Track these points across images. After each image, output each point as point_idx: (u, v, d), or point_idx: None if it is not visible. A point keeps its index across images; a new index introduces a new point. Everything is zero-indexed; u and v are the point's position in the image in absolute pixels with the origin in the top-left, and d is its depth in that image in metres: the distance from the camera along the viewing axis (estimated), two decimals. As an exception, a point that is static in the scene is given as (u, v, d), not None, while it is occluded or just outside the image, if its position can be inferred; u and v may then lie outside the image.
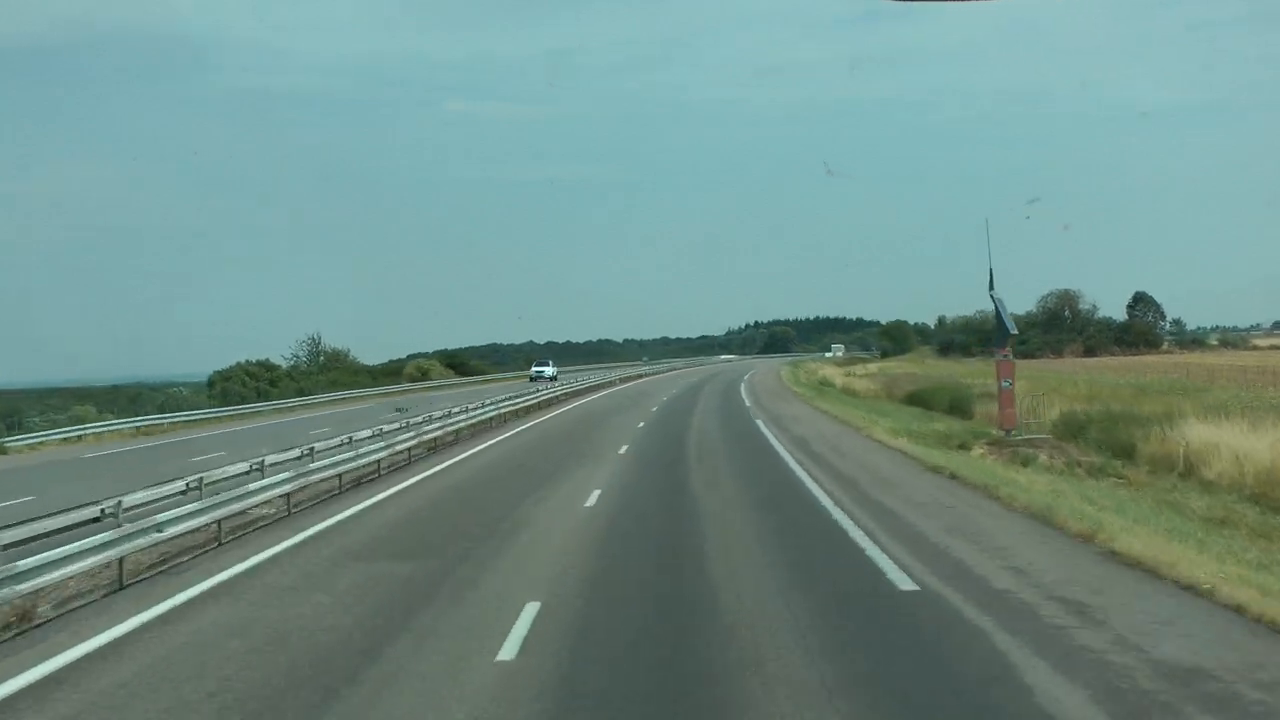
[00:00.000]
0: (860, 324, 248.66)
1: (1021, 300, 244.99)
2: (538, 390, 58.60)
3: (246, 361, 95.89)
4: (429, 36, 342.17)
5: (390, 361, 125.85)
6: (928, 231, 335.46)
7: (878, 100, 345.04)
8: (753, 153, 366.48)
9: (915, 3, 12.34)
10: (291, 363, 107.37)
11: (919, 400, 60.04)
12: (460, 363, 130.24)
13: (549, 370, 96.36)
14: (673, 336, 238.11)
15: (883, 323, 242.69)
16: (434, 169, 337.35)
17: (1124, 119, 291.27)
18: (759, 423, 39.27)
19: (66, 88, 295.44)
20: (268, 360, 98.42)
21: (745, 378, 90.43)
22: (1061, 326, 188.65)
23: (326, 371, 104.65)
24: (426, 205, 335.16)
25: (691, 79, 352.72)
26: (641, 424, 40.18)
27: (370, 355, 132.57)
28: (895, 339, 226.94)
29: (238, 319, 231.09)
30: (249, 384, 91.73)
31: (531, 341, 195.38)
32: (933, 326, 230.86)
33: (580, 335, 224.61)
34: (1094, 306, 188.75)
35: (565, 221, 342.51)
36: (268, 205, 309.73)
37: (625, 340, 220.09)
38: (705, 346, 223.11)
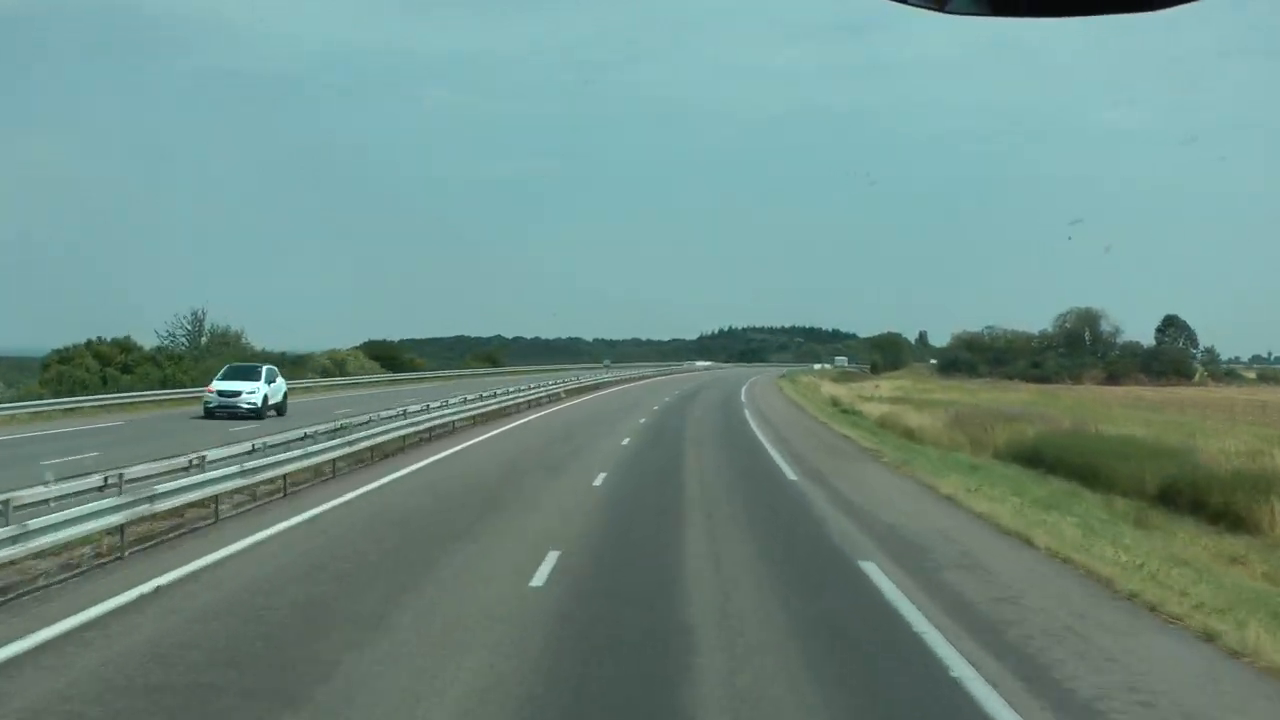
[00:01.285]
0: (837, 335, 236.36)
1: (1036, 318, 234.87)
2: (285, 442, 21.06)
3: (99, 340, 69.90)
4: (407, 29, 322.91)
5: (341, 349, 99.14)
6: (910, 246, 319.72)
7: (862, 110, 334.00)
8: (734, 157, 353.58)
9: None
10: (166, 343, 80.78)
11: (1052, 461, 34.40)
12: (390, 356, 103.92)
13: (251, 390, 42.55)
14: (644, 338, 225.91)
15: (860, 335, 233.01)
16: (412, 163, 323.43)
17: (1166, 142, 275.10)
18: (871, 571, 13.38)
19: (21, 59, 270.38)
20: (128, 339, 71.84)
21: (743, 397, 64.71)
22: (1081, 349, 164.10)
23: (201, 360, 78.22)
24: (402, 198, 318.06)
25: (671, 79, 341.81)
26: (539, 581, 13.19)
27: (327, 341, 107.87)
28: (887, 353, 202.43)
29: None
30: (94, 369, 66.04)
31: (499, 335, 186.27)
32: (913, 342, 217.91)
33: (550, 332, 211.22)
34: (1117, 329, 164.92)
35: (538, 218, 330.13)
36: (239, 191, 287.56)
37: (595, 339, 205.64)
38: (677, 350, 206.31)
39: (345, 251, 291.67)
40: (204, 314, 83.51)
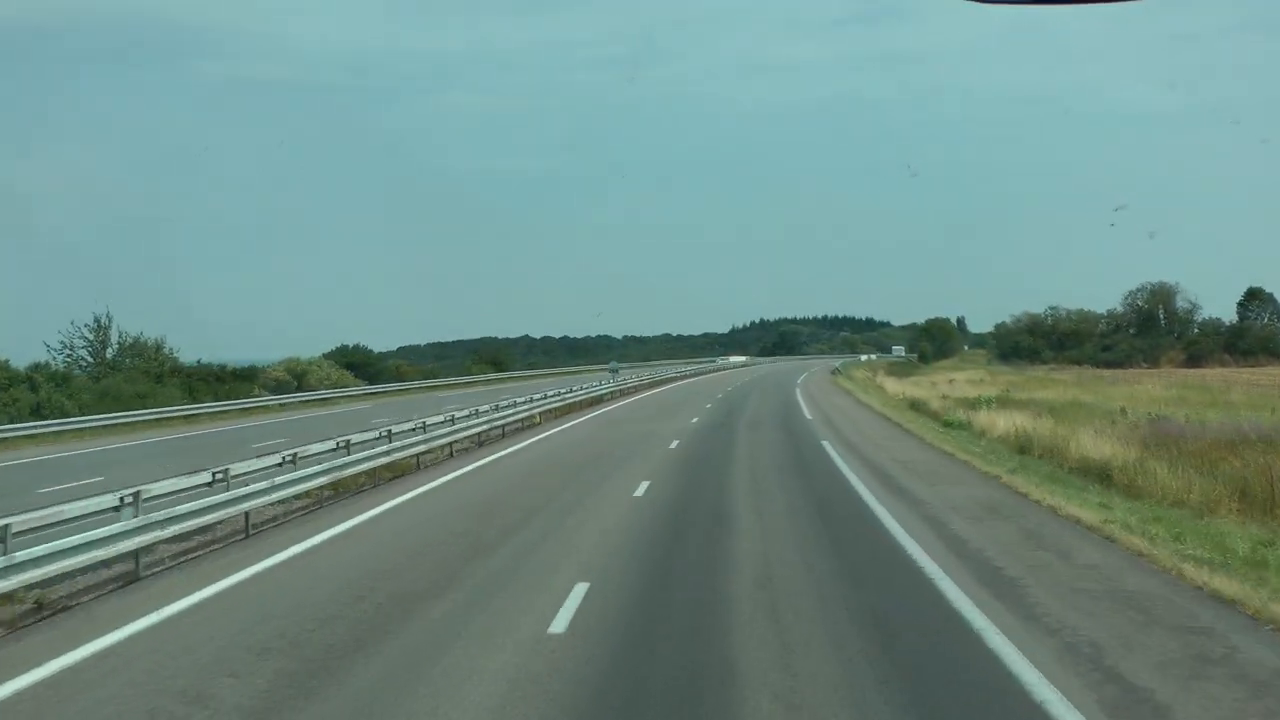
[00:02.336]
0: (871, 324, 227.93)
1: (1104, 297, 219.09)
2: None
3: (-46, 360, 50.84)
4: (411, 30, 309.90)
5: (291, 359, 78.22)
6: (942, 232, 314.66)
7: (886, 98, 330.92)
8: (760, 149, 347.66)
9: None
10: (62, 359, 61.33)
11: None
12: (364, 364, 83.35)
13: None
14: (675, 334, 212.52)
15: (894, 324, 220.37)
16: (430, 159, 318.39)
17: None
18: None
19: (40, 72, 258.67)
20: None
21: (806, 410, 43.64)
22: (1156, 329, 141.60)
23: (101, 378, 58.67)
24: (428, 199, 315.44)
25: (691, 75, 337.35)
26: None
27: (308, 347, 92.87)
28: (936, 340, 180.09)
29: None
30: (-61, 399, 47.48)
31: (527, 335, 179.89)
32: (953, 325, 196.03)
33: (579, 330, 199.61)
34: (1194, 304, 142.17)
35: (565, 216, 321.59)
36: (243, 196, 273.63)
37: (625, 336, 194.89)
38: (708, 345, 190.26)
39: (370, 256, 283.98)
40: (109, 320, 63.46)
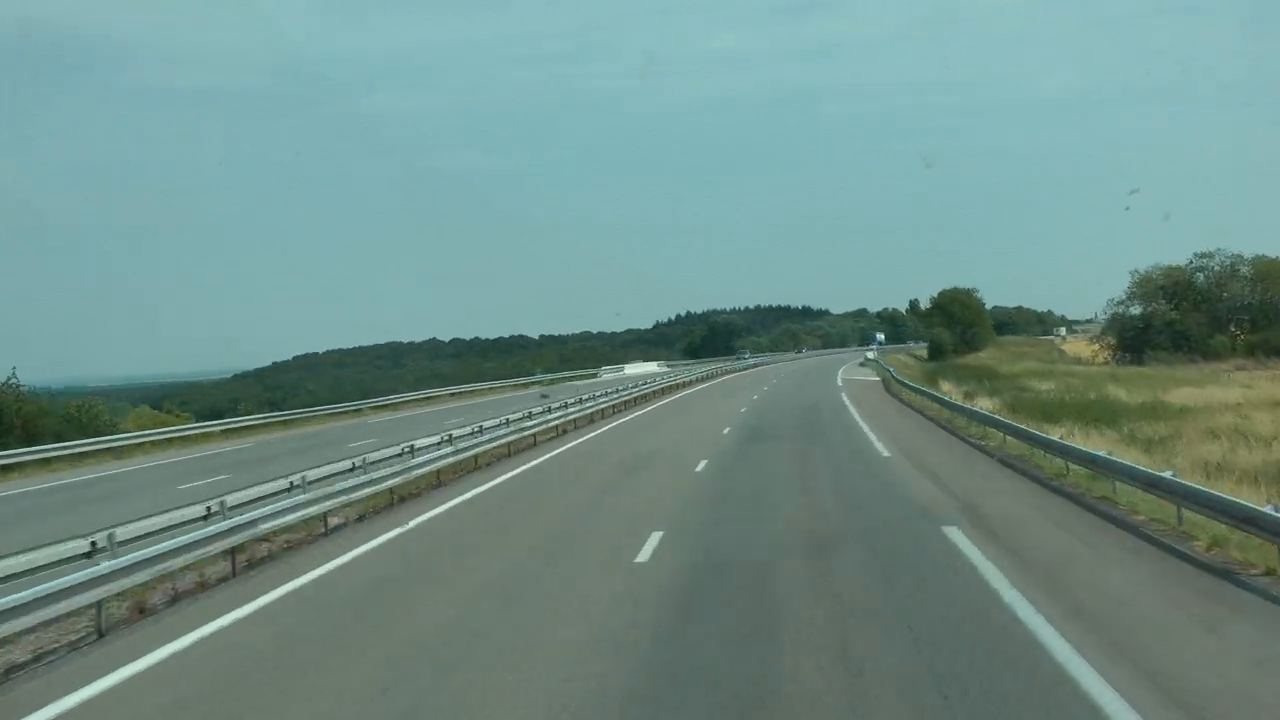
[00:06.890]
0: (809, 313, 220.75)
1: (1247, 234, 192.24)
2: None
3: None
4: (342, 32, 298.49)
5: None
6: (875, 215, 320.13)
7: (810, 88, 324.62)
8: (687, 140, 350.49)
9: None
10: None
11: None
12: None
13: None
14: (595, 331, 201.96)
15: (833, 311, 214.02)
16: (346, 162, 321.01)
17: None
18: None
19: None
20: None
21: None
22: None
23: None
24: (326, 200, 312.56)
25: (602, 70, 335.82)
26: None
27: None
28: (959, 324, 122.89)
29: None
30: None
31: (435, 339, 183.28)
32: (904, 311, 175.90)
33: (492, 331, 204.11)
34: None
35: (479, 213, 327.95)
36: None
37: (542, 336, 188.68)
38: (631, 342, 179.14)
39: (274, 261, 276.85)
40: None
